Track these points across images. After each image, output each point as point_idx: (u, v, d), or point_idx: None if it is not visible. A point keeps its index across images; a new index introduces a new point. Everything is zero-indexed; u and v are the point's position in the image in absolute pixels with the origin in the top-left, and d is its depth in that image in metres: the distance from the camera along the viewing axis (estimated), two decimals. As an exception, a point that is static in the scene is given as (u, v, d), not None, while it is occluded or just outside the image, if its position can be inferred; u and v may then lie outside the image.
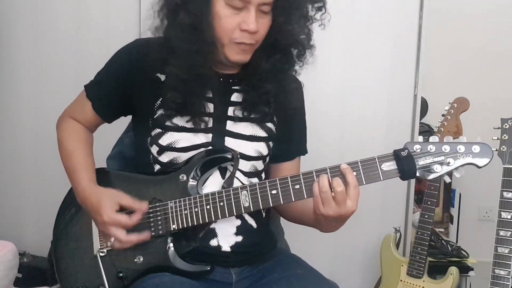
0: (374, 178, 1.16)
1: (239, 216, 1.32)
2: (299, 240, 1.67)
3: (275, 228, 1.55)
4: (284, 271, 1.31)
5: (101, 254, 1.30)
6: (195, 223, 1.25)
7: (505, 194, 1.59)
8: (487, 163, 1.14)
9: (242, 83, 1.35)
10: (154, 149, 1.33)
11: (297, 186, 1.19)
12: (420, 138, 1.18)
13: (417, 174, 1.15)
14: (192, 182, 1.28)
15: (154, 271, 1.25)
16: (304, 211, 1.30)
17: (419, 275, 2.01)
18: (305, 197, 1.19)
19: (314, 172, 1.18)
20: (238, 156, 1.30)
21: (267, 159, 1.41)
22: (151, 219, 1.27)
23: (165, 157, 1.33)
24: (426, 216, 1.98)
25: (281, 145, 1.42)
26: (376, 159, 1.16)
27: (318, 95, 2.24)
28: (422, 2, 2.29)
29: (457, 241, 2.62)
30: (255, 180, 1.36)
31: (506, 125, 1.59)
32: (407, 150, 1.15)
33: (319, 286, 1.28)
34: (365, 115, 2.35)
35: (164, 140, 1.32)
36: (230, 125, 1.34)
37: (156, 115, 1.33)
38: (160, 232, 1.27)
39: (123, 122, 1.50)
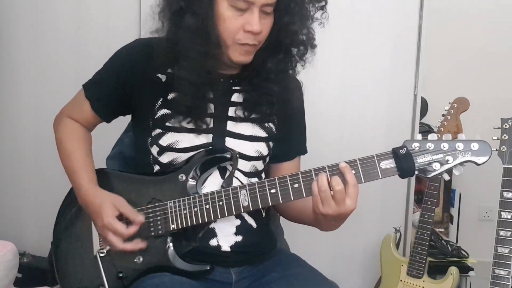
0: (373, 177, 1.15)
1: (239, 216, 1.32)
2: (299, 240, 1.67)
3: (275, 228, 1.55)
4: (284, 270, 1.31)
5: (101, 254, 1.30)
6: (195, 223, 1.25)
7: (505, 194, 1.59)
8: (486, 161, 1.13)
9: (243, 83, 1.34)
10: (154, 150, 1.33)
11: (296, 185, 1.19)
12: (419, 136, 1.17)
13: (416, 172, 1.14)
14: (191, 182, 1.28)
15: (154, 271, 1.25)
16: (304, 210, 1.29)
17: (419, 275, 2.01)
18: (304, 196, 1.19)
19: (313, 171, 1.18)
20: (237, 155, 1.30)
21: (267, 159, 1.41)
22: (151, 219, 1.27)
23: (165, 158, 1.33)
24: (426, 216, 1.98)
25: (281, 145, 1.42)
26: (375, 157, 1.15)
27: (318, 95, 2.23)
28: (422, 2, 2.29)
29: (457, 241, 2.62)
30: (255, 180, 1.35)
31: (506, 125, 1.59)
32: (405, 148, 1.14)
33: (319, 285, 1.27)
34: (365, 115, 2.35)
35: (165, 141, 1.32)
36: (231, 126, 1.34)
37: (156, 116, 1.32)
38: (160, 232, 1.27)
39: (123, 122, 1.50)
